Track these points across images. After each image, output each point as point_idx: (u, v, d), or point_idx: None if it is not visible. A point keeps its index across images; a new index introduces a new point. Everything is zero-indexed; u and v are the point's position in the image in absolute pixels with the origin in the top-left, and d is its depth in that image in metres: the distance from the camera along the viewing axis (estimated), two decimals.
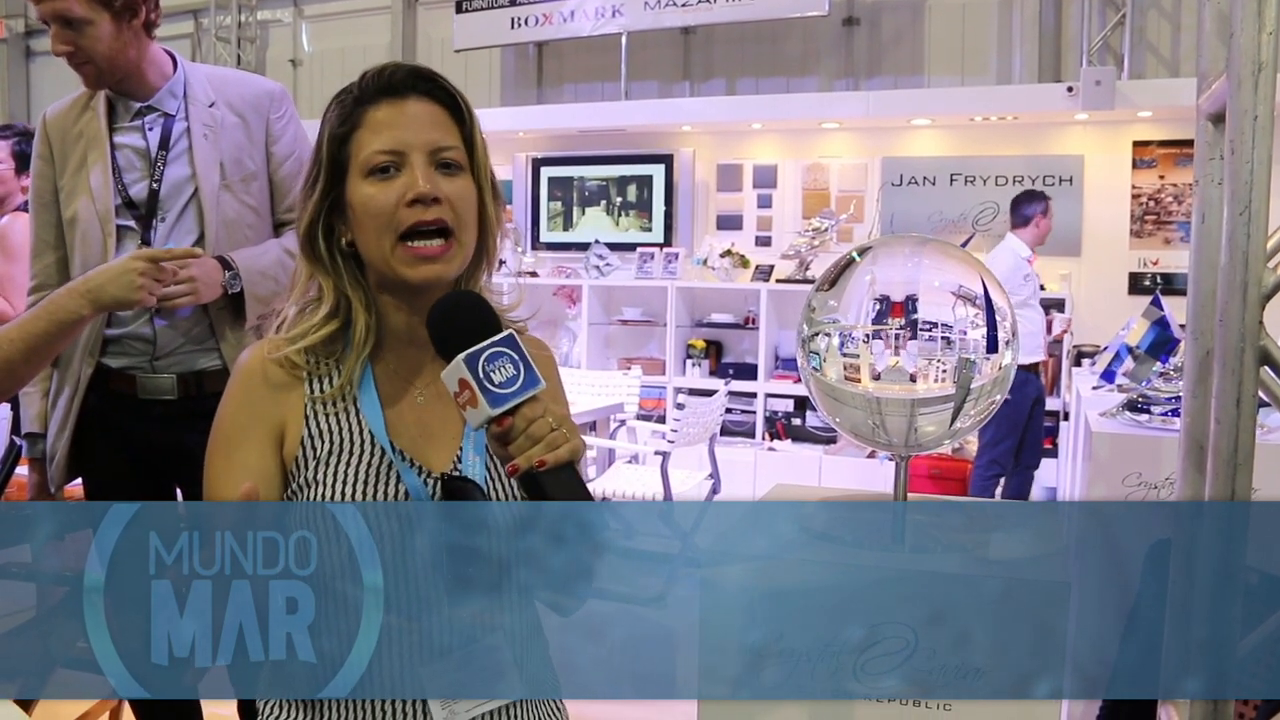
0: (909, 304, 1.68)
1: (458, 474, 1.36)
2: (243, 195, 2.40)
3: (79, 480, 2.49)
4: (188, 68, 2.42)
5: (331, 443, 1.34)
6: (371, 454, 1.34)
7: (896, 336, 1.67)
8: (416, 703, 1.33)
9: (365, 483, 1.32)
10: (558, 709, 1.50)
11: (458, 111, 1.37)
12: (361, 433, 1.35)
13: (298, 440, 1.34)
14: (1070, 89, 6.55)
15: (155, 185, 2.34)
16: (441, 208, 1.31)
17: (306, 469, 1.33)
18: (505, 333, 1.19)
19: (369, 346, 1.37)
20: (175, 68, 2.41)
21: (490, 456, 1.38)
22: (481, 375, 1.16)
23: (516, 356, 1.17)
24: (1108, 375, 3.68)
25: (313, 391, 1.36)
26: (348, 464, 1.33)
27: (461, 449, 1.38)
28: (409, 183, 1.30)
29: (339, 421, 1.35)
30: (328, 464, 1.33)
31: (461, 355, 1.16)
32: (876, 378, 1.69)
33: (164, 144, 2.35)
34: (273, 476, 1.33)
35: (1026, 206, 5.92)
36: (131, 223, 2.34)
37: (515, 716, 1.39)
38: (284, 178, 2.47)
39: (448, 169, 1.33)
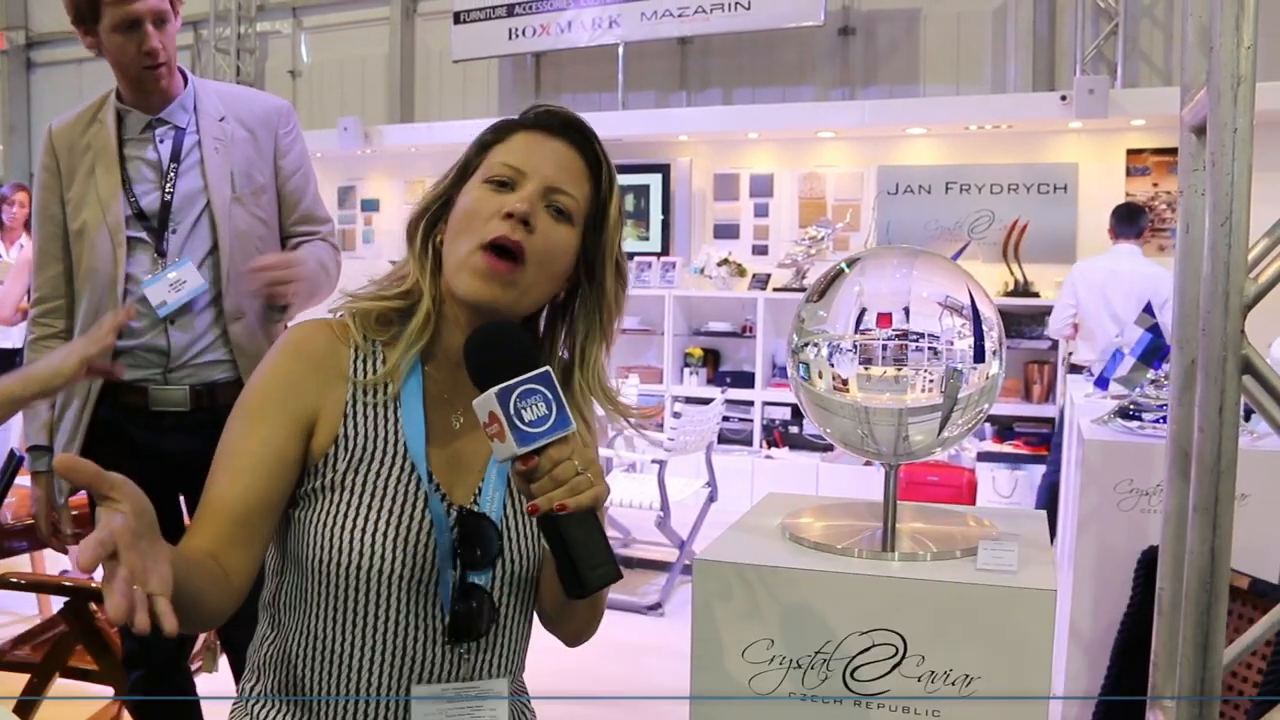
0: (903, 314, 1.70)
1: (476, 509, 1.35)
2: (253, 208, 2.43)
3: (82, 491, 2.49)
4: (197, 83, 2.46)
5: (365, 449, 1.32)
6: (402, 469, 1.32)
7: (885, 348, 1.69)
8: (400, 705, 1.33)
9: (392, 499, 1.31)
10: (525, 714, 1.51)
11: (597, 173, 1.37)
12: (397, 444, 1.33)
13: (331, 437, 1.32)
14: (1064, 98, 6.58)
15: (168, 197, 2.36)
16: (529, 236, 1.30)
17: (334, 470, 1.31)
18: (541, 369, 1.16)
19: (422, 340, 1.35)
20: (186, 82, 2.44)
21: (510, 493, 1.38)
22: (512, 411, 1.13)
23: (550, 395, 1.15)
24: (1101, 382, 3.70)
25: (356, 375, 1.34)
26: (377, 474, 1.31)
27: (483, 481, 1.37)
28: (511, 199, 1.31)
29: (376, 423, 1.33)
30: (357, 470, 1.31)
31: (494, 389, 1.13)
32: (845, 384, 1.71)
33: (175, 156, 2.38)
34: (293, 460, 1.31)
35: (1141, 217, 5.93)
36: (144, 234, 2.36)
37: None
38: (292, 190, 2.51)
39: (558, 213, 1.33)
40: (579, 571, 1.14)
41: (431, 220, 1.38)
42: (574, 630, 1.46)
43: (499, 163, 1.33)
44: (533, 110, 1.38)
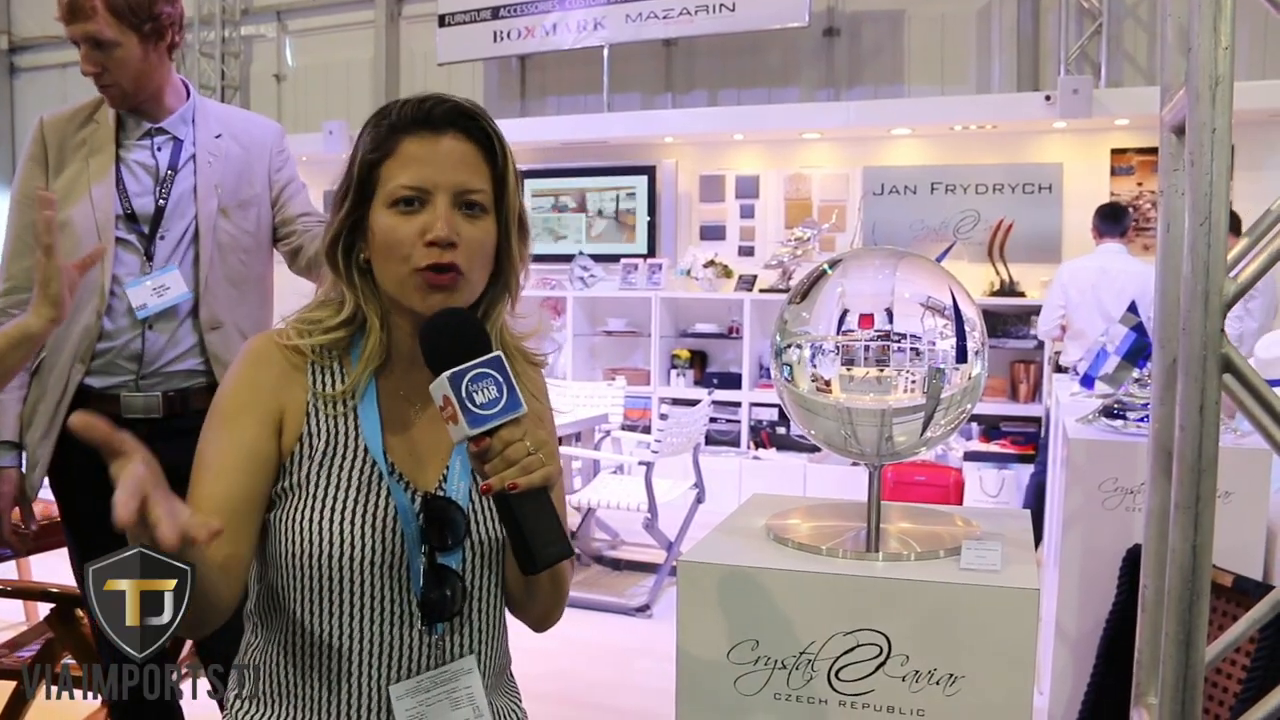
0: (885, 315, 1.71)
1: (441, 494, 1.38)
2: (240, 221, 2.46)
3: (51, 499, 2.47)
4: (198, 99, 2.51)
5: (326, 446, 1.36)
6: (363, 465, 1.36)
7: (867, 348, 1.69)
8: (383, 707, 1.36)
9: (357, 489, 1.35)
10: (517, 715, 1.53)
11: (491, 151, 1.37)
12: (357, 441, 1.37)
13: (296, 435, 1.36)
14: (1048, 98, 6.61)
15: (161, 203, 2.39)
16: (456, 251, 1.31)
17: (299, 469, 1.35)
18: (492, 354, 1.20)
19: (378, 360, 1.39)
20: (188, 95, 2.49)
21: (475, 480, 1.40)
22: (464, 395, 1.17)
23: (501, 379, 1.19)
24: (1086, 381, 3.71)
25: (315, 387, 1.38)
26: (340, 467, 1.35)
27: (448, 468, 1.40)
28: (429, 222, 1.31)
29: (336, 425, 1.37)
30: (320, 467, 1.35)
31: (446, 373, 1.18)
32: (828, 385, 1.72)
33: (172, 165, 2.42)
34: (268, 457, 1.35)
35: (1125, 216, 5.96)
36: (133, 238, 2.38)
37: None
38: (288, 198, 2.56)
39: (470, 210, 1.34)
40: (531, 548, 1.19)
41: (346, 245, 1.38)
42: (539, 614, 1.49)
43: (397, 185, 1.32)
44: (408, 111, 1.36)
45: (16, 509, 2.43)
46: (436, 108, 1.35)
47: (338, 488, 1.34)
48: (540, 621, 1.50)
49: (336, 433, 1.37)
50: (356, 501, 1.34)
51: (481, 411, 1.18)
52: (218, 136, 2.47)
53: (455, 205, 1.33)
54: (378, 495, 1.35)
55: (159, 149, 2.42)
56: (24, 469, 2.41)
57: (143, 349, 2.37)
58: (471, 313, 1.36)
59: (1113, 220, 5.89)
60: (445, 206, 1.32)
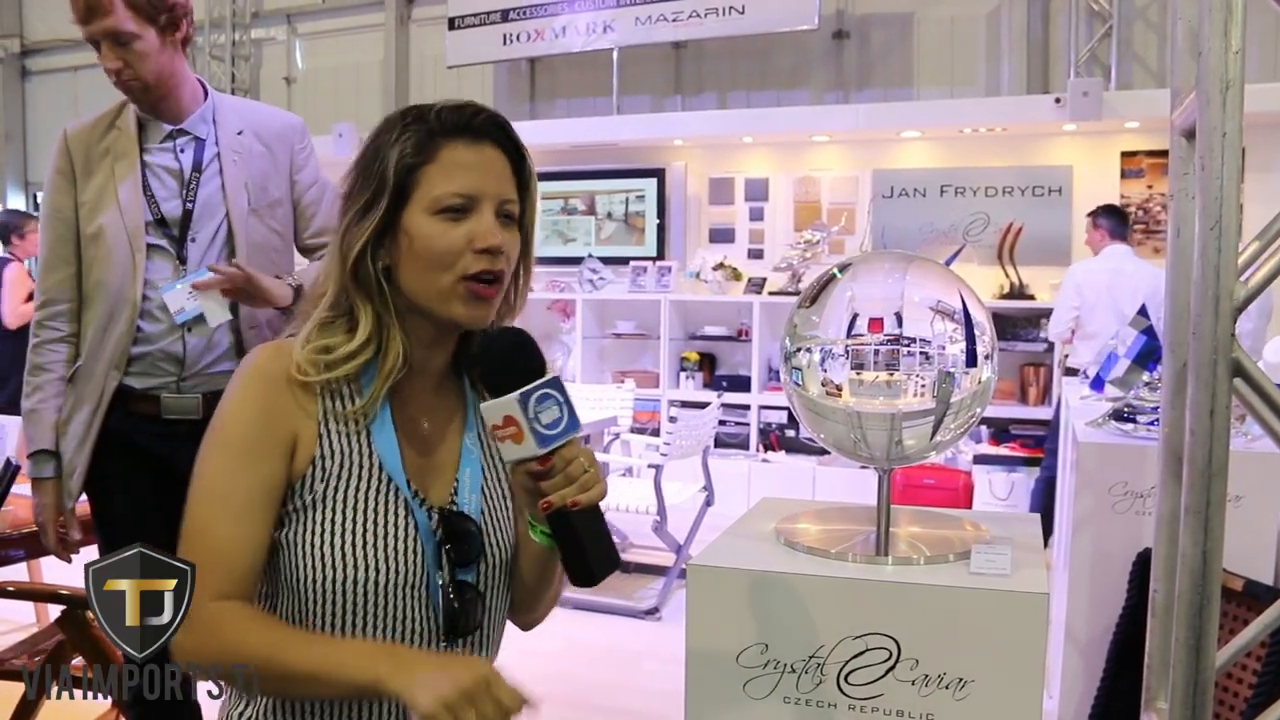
0: (895, 320, 1.71)
1: (455, 509, 1.37)
2: (269, 220, 2.47)
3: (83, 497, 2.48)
4: (216, 96, 2.49)
5: (342, 465, 1.33)
6: (380, 485, 1.34)
7: (877, 353, 1.69)
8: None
9: (375, 510, 1.32)
10: None
11: (518, 162, 1.38)
12: (371, 460, 1.34)
13: (309, 459, 1.32)
14: (1058, 100, 6.59)
15: (189, 205, 2.39)
16: (503, 259, 1.33)
17: (310, 491, 1.31)
18: (553, 374, 1.21)
19: (396, 377, 1.35)
20: (206, 95, 2.48)
21: (484, 492, 1.41)
22: (531, 415, 1.18)
23: (562, 399, 1.21)
24: (1096, 384, 3.70)
25: (326, 405, 1.34)
26: (357, 489, 1.32)
27: (458, 481, 1.39)
28: (477, 230, 1.30)
29: (348, 444, 1.34)
30: (337, 487, 1.32)
31: (515, 393, 1.18)
32: (838, 389, 1.72)
33: (197, 167, 2.41)
34: (281, 488, 1.32)
35: (1128, 220, 6.03)
36: (164, 242, 2.39)
37: None
38: (308, 204, 2.55)
39: (507, 219, 1.35)
40: (589, 562, 1.23)
41: (373, 252, 1.33)
42: (536, 617, 1.52)
43: (448, 193, 1.30)
44: (449, 118, 1.33)
45: (60, 518, 2.45)
46: (476, 116, 1.34)
47: (355, 509, 1.32)
48: (531, 624, 1.53)
49: (349, 452, 1.33)
50: (376, 524, 1.32)
51: (548, 431, 1.19)
52: (239, 133, 2.45)
53: (497, 215, 1.33)
54: (396, 515, 1.33)
55: (181, 150, 2.42)
56: (61, 476, 2.43)
57: (184, 352, 2.38)
58: (527, 333, 1.32)
59: (1123, 222, 5.91)
60: (490, 214, 1.32)
